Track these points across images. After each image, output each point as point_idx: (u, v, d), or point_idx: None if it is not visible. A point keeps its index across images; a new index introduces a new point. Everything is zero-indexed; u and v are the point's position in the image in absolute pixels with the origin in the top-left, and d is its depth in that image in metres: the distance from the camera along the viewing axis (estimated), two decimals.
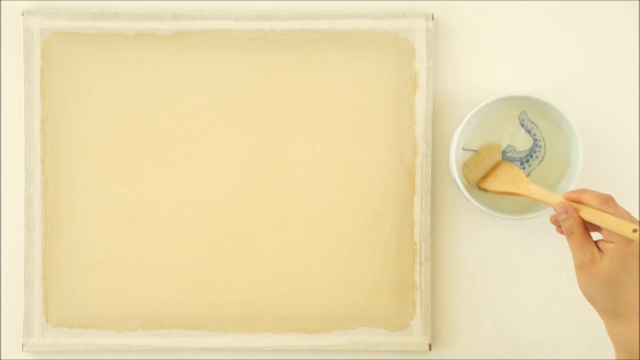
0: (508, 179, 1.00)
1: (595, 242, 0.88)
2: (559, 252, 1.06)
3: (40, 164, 1.03)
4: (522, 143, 1.04)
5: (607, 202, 0.88)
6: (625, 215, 0.88)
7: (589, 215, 0.88)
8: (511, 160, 1.04)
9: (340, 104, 1.04)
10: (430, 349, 1.05)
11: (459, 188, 1.02)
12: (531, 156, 1.04)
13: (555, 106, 1.01)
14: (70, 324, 1.04)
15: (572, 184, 1.01)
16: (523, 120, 1.03)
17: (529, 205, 1.03)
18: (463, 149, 1.03)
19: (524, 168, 1.04)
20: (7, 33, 1.04)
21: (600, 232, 0.88)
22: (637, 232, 0.84)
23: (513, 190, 0.99)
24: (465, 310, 1.06)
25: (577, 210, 0.89)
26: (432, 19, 1.04)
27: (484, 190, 1.01)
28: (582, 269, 0.88)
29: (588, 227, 0.89)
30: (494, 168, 1.02)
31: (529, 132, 1.04)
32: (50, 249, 1.04)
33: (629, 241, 0.86)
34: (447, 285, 1.06)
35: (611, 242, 0.87)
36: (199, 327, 1.04)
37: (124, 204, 1.04)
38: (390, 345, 1.05)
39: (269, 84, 1.04)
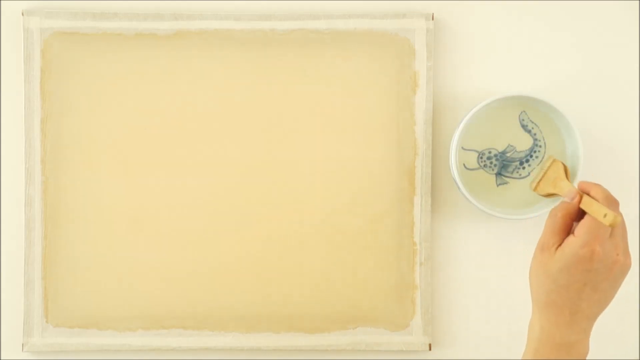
0: (552, 179, 0.99)
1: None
2: None
3: (40, 164, 1.03)
4: (522, 143, 1.04)
5: (610, 202, 0.86)
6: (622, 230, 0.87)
7: (585, 202, 0.87)
8: (511, 160, 1.04)
9: (340, 104, 1.04)
10: (430, 349, 1.05)
11: (459, 188, 1.02)
12: (531, 156, 1.04)
13: (555, 106, 1.01)
14: (70, 324, 1.04)
15: (572, 184, 1.01)
16: (523, 120, 1.03)
17: (529, 205, 1.03)
18: (463, 148, 1.03)
19: (523, 168, 1.04)
20: (7, 33, 1.04)
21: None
22: (608, 218, 0.83)
23: (553, 191, 0.98)
24: (465, 310, 1.06)
25: (580, 200, 0.88)
26: (432, 19, 1.04)
27: (540, 194, 1.01)
28: (538, 250, 0.87)
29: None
30: (547, 170, 1.01)
31: (529, 132, 1.04)
32: (50, 249, 1.04)
33: (585, 243, 0.84)
34: (447, 285, 1.06)
35: (573, 237, 0.85)
36: (199, 327, 1.04)
37: (124, 204, 1.04)
38: (390, 345, 1.05)
39: (269, 84, 1.04)
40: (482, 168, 1.04)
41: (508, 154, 1.04)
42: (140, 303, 1.04)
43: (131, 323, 1.04)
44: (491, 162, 1.04)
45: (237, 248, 1.04)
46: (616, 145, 1.06)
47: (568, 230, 0.88)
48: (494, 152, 1.04)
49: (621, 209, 1.05)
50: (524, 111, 1.03)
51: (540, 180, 1.01)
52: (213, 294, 1.04)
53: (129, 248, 1.04)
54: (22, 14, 1.02)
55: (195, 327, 1.04)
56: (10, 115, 1.04)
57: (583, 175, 1.03)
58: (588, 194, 0.88)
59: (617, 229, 0.86)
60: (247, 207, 1.04)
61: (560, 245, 0.86)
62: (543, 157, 1.04)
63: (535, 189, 1.01)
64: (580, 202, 0.88)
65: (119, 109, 1.04)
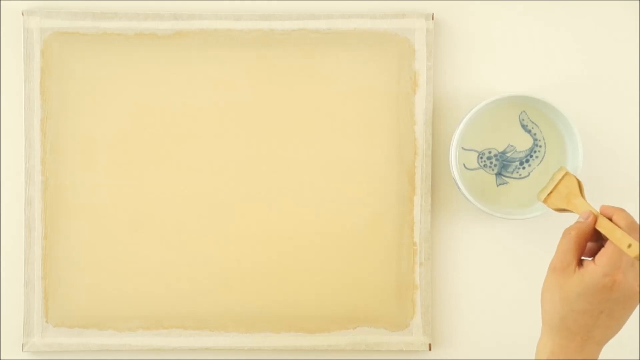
0: (565, 194, 0.96)
1: (582, 260, 0.85)
2: None
3: (40, 164, 1.03)
4: (522, 143, 1.04)
5: (633, 230, 0.84)
6: None
7: (603, 225, 0.85)
8: (511, 160, 1.04)
9: (340, 104, 1.04)
10: (430, 349, 1.05)
11: (459, 188, 1.02)
12: (531, 156, 1.04)
13: (555, 106, 1.01)
14: (70, 324, 1.04)
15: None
16: (523, 120, 1.03)
17: (529, 205, 1.03)
18: (463, 148, 1.03)
19: (523, 168, 1.04)
20: (7, 33, 1.04)
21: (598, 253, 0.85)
22: (632, 249, 0.81)
23: (565, 207, 0.95)
24: (465, 310, 1.06)
25: (595, 221, 0.86)
26: (432, 19, 1.04)
27: (550, 208, 0.98)
28: (553, 272, 0.85)
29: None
30: (559, 183, 0.98)
31: (529, 132, 1.04)
32: (50, 249, 1.04)
33: (607, 273, 0.83)
34: (447, 285, 1.06)
35: (594, 264, 0.83)
36: (199, 327, 1.04)
37: (124, 204, 1.04)
38: (390, 345, 1.05)
39: (269, 84, 1.04)
40: (482, 168, 1.04)
41: (508, 154, 1.04)
42: (140, 303, 1.04)
43: (131, 323, 1.04)
44: (491, 162, 1.04)
45: (237, 248, 1.04)
46: (616, 145, 1.06)
47: (582, 251, 0.86)
48: (494, 152, 1.04)
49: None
50: (524, 111, 1.03)
51: (551, 192, 0.98)
52: (213, 294, 1.04)
53: (129, 248, 1.04)
54: (22, 14, 1.02)
55: (195, 327, 1.04)
56: (10, 115, 1.04)
57: (583, 175, 1.03)
58: (610, 219, 0.85)
59: (631, 259, 0.84)
60: (247, 207, 1.04)
61: (575, 265, 0.85)
62: (543, 157, 1.04)
63: (545, 201, 0.98)
64: (595, 222, 0.86)
65: (119, 109, 1.04)
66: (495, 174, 1.04)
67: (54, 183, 1.03)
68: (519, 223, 1.06)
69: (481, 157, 1.04)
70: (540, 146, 1.04)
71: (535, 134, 1.04)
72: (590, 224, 0.86)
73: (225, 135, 1.04)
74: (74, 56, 1.03)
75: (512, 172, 1.04)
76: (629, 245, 0.81)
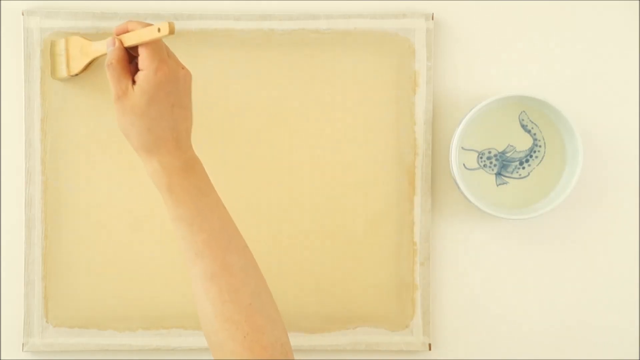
0: (78, 52, 1.00)
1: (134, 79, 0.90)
2: (559, 252, 1.06)
3: (40, 164, 1.03)
4: (522, 143, 1.04)
5: (147, 24, 0.90)
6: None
7: (130, 38, 0.90)
8: (511, 160, 1.04)
9: (340, 104, 1.04)
10: (430, 349, 1.05)
11: (459, 188, 1.02)
12: (531, 156, 1.04)
13: (555, 106, 1.01)
14: (70, 324, 1.04)
15: (572, 184, 1.01)
16: (523, 120, 1.03)
17: (529, 205, 1.03)
18: (463, 148, 1.03)
19: (523, 168, 1.04)
20: (7, 33, 1.04)
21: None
22: (164, 27, 0.86)
23: (89, 58, 0.99)
24: (465, 310, 1.06)
25: (122, 42, 0.91)
26: (432, 19, 1.04)
27: (75, 75, 1.01)
28: (117, 102, 0.90)
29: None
30: (66, 51, 1.01)
31: (528, 132, 1.04)
32: (50, 249, 1.04)
33: (157, 68, 0.88)
34: (447, 285, 1.06)
35: (142, 71, 0.89)
36: (199, 327, 1.04)
37: (124, 204, 1.04)
38: (390, 345, 1.05)
39: (269, 84, 1.04)
40: (482, 168, 1.04)
41: (508, 154, 1.04)
42: (140, 303, 1.04)
43: (131, 323, 1.04)
44: (491, 162, 1.04)
45: None
46: (616, 145, 1.06)
47: (129, 72, 0.91)
48: (493, 152, 1.04)
49: (621, 208, 1.06)
50: (524, 111, 1.03)
51: (66, 64, 1.01)
52: None
53: (129, 248, 1.04)
54: (22, 14, 1.02)
55: (195, 327, 1.04)
56: (10, 115, 1.04)
57: (583, 175, 1.04)
58: (127, 32, 0.91)
59: (166, 49, 0.90)
60: (247, 207, 1.04)
61: (131, 85, 0.90)
62: (543, 157, 1.04)
63: (68, 74, 1.01)
64: (120, 43, 0.91)
65: None
66: (495, 174, 1.04)
67: (54, 183, 1.03)
68: (519, 223, 1.06)
69: (481, 157, 1.04)
70: (540, 146, 1.04)
71: (535, 134, 1.04)
72: (119, 45, 0.91)
73: (225, 135, 1.04)
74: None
75: (512, 172, 1.04)
76: (159, 29, 0.87)
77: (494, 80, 1.05)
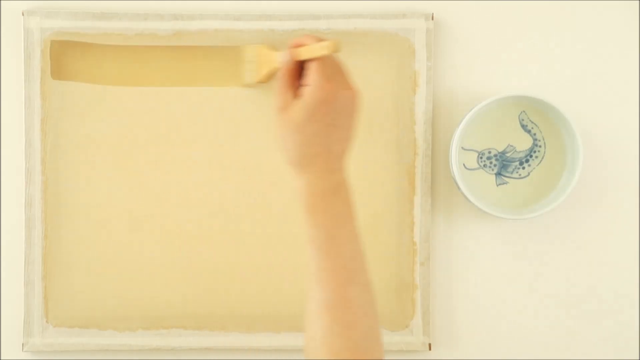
0: (265, 62, 1.01)
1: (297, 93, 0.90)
2: (559, 252, 1.06)
3: (40, 164, 1.03)
4: (522, 143, 1.04)
5: (320, 39, 0.89)
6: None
7: (301, 52, 0.90)
8: (511, 160, 1.04)
9: None
10: (430, 349, 1.05)
11: (459, 188, 1.02)
12: (531, 156, 1.04)
13: (555, 106, 1.01)
14: (70, 324, 1.04)
15: (572, 184, 1.01)
16: (523, 120, 1.03)
17: (529, 205, 1.03)
18: (463, 148, 1.03)
19: (523, 168, 1.04)
20: (7, 33, 1.04)
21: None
22: (326, 45, 0.86)
23: (270, 68, 1.00)
24: (465, 310, 1.06)
25: (295, 55, 0.90)
26: (432, 19, 1.04)
27: (262, 83, 1.02)
28: (278, 114, 0.89)
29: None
30: (258, 60, 1.02)
31: (528, 132, 1.04)
32: (50, 249, 1.04)
33: (317, 86, 0.87)
34: (447, 285, 1.06)
35: (305, 87, 0.88)
36: (199, 327, 1.04)
37: (124, 204, 1.04)
38: (390, 345, 1.05)
39: (269, 84, 1.04)
40: (482, 168, 1.04)
41: (508, 154, 1.04)
42: (140, 303, 1.04)
43: (131, 323, 1.04)
44: (491, 162, 1.04)
45: (237, 248, 1.04)
46: (616, 145, 1.06)
47: (295, 88, 0.90)
48: (493, 152, 1.04)
49: (621, 208, 1.06)
50: (524, 111, 1.03)
51: (256, 71, 1.02)
52: (213, 294, 1.04)
53: (128, 248, 1.04)
54: (22, 14, 1.02)
55: (195, 327, 1.04)
56: (10, 115, 1.04)
57: (583, 175, 1.04)
58: (302, 45, 0.90)
59: (337, 67, 0.89)
60: (247, 207, 1.04)
61: (293, 98, 0.89)
62: (543, 157, 1.04)
63: (257, 81, 1.02)
64: (294, 57, 0.90)
65: (118, 109, 1.04)
66: (495, 174, 1.04)
67: (54, 183, 1.03)
68: (519, 223, 1.06)
69: (481, 157, 1.04)
70: (540, 146, 1.04)
71: (535, 134, 1.04)
72: (291, 59, 0.90)
73: (224, 134, 1.04)
74: (74, 56, 1.03)
75: (512, 172, 1.04)
76: (323, 47, 0.87)
77: (494, 80, 1.05)
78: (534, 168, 1.04)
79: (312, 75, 0.88)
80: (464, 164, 1.04)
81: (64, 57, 1.03)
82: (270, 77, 1.01)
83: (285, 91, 0.90)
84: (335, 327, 0.85)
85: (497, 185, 1.04)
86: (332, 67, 0.89)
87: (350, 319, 0.86)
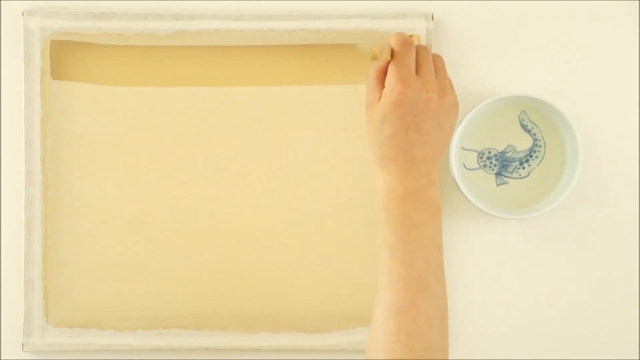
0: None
1: None
2: (559, 252, 1.06)
3: (40, 164, 1.03)
4: (522, 143, 1.04)
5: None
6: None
7: (390, 52, 0.90)
8: (511, 160, 1.04)
9: (340, 104, 1.04)
10: None
11: (459, 188, 1.02)
12: (531, 156, 1.04)
13: (555, 106, 1.01)
14: (70, 324, 1.04)
15: (572, 184, 1.01)
16: (523, 120, 1.03)
17: (529, 205, 1.03)
18: (463, 148, 1.03)
19: (523, 168, 1.04)
20: (7, 33, 1.04)
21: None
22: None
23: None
24: (465, 310, 1.06)
25: (391, 55, 0.90)
26: (432, 19, 1.04)
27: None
28: (366, 111, 0.90)
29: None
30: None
31: (528, 132, 1.04)
32: (50, 249, 1.04)
33: (393, 88, 0.87)
34: (447, 285, 1.06)
35: (385, 87, 0.89)
36: (199, 327, 1.04)
37: (124, 204, 1.04)
38: None
39: (269, 84, 1.04)
40: (482, 168, 1.04)
41: (508, 154, 1.04)
42: (140, 303, 1.04)
43: (131, 323, 1.04)
44: (491, 162, 1.04)
45: (237, 248, 1.04)
46: (616, 145, 1.06)
47: (382, 81, 0.91)
48: (493, 152, 1.04)
49: (621, 208, 1.06)
50: (524, 111, 1.03)
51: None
52: (213, 294, 1.04)
53: (129, 248, 1.04)
54: (22, 14, 1.02)
55: (195, 327, 1.04)
56: (10, 115, 1.04)
57: (583, 175, 1.04)
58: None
59: (424, 68, 0.89)
60: (247, 207, 1.04)
61: (379, 98, 0.89)
62: (543, 157, 1.04)
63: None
64: (390, 56, 0.90)
65: (118, 109, 1.04)
66: (495, 174, 1.04)
67: (54, 183, 1.03)
68: (519, 223, 1.06)
69: (481, 157, 1.04)
70: (540, 146, 1.04)
71: (535, 134, 1.04)
72: (383, 59, 0.90)
73: (224, 135, 1.04)
74: (74, 56, 1.03)
75: (512, 172, 1.04)
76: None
77: (494, 80, 1.05)
78: (534, 168, 1.04)
79: (388, 76, 0.88)
80: (464, 164, 1.04)
81: (64, 57, 1.03)
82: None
83: (371, 90, 0.90)
84: (400, 335, 0.84)
85: (497, 185, 1.04)
86: (405, 69, 0.88)
87: (416, 330, 0.84)
